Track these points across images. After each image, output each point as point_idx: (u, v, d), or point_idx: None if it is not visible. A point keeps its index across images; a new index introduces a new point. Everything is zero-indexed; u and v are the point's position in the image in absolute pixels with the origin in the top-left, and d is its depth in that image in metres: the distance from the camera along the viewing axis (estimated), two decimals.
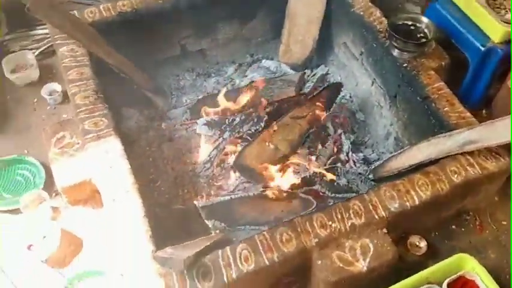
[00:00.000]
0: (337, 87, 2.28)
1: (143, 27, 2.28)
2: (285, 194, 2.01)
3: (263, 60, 2.64)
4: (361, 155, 2.23)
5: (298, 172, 2.07)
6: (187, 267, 1.45)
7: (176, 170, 2.24)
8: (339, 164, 2.14)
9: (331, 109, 2.22)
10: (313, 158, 2.12)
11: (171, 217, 2.08)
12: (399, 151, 2.01)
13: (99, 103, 1.89)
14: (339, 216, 1.61)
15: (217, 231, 1.97)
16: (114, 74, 2.21)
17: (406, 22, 2.09)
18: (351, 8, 2.29)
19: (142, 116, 2.39)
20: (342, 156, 2.20)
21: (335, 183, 2.07)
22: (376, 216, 1.61)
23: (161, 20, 2.30)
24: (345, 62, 2.52)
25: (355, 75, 2.45)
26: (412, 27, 2.09)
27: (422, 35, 2.06)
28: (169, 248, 1.56)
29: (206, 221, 1.98)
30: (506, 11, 2.01)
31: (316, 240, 1.55)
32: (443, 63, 2.08)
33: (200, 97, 2.39)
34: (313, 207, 1.95)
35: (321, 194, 2.04)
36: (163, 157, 2.28)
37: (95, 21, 2.19)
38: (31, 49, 2.43)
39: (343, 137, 2.24)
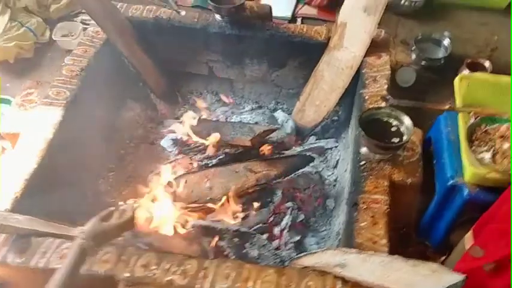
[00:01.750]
0: (307, 160, 2.10)
1: (176, 37, 2.43)
2: (190, 236, 1.95)
3: (278, 110, 2.58)
4: (297, 238, 2.04)
5: (216, 221, 1.98)
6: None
7: (136, 171, 2.34)
8: (264, 236, 1.98)
9: (286, 178, 2.06)
10: (240, 215, 2.01)
11: (94, 206, 2.18)
12: (315, 250, 1.79)
13: (76, 79, 2.09)
14: (167, 267, 1.52)
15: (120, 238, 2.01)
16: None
17: (389, 120, 1.85)
18: (361, 89, 2.11)
19: (144, 114, 2.55)
20: (276, 230, 2.04)
21: (243, 251, 1.93)
22: (199, 286, 1.47)
23: (191, 36, 2.42)
24: (349, 143, 2.32)
25: (348, 160, 2.23)
26: (393, 128, 1.84)
27: (398, 139, 1.80)
28: (22, 217, 1.67)
29: None
30: (488, 151, 1.60)
31: (128, 275, 1.50)
32: (408, 180, 1.78)
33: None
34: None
35: (224, 253, 1.92)
36: (135, 155, 2.40)
37: (133, 17, 2.41)
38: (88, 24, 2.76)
39: (288, 211, 2.07)
